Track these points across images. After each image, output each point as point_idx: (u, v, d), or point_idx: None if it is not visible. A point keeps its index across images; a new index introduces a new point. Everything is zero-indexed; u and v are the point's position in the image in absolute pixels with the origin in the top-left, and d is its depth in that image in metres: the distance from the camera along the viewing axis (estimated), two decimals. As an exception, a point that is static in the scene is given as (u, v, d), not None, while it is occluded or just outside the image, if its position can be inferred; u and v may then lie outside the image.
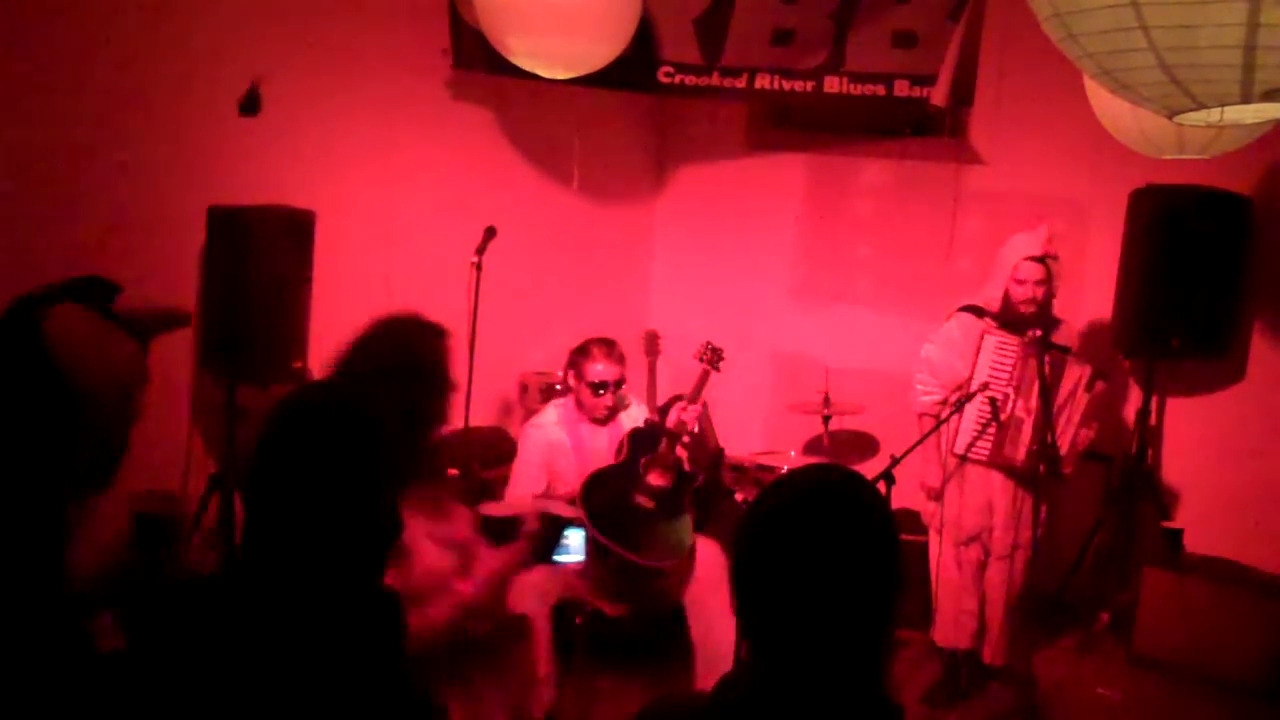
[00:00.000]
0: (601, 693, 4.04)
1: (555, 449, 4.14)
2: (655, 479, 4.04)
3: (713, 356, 4.38)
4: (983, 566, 4.28)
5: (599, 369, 4.11)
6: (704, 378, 4.29)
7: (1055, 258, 4.11)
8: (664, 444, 4.08)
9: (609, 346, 4.15)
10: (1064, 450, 4.02)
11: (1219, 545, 4.84)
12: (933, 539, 4.35)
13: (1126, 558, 4.93)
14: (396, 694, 1.54)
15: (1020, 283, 4.07)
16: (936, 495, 4.30)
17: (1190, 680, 4.45)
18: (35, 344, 2.44)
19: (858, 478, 1.57)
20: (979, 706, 4.30)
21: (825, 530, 1.46)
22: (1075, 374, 4.09)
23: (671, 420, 4.12)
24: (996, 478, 4.18)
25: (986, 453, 4.13)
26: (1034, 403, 4.00)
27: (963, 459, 4.18)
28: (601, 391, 4.11)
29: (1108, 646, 4.78)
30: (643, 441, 4.10)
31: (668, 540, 3.97)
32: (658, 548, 3.93)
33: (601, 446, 4.15)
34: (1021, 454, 4.06)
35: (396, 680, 1.56)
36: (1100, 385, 4.12)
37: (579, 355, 4.16)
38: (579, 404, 4.19)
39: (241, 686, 1.45)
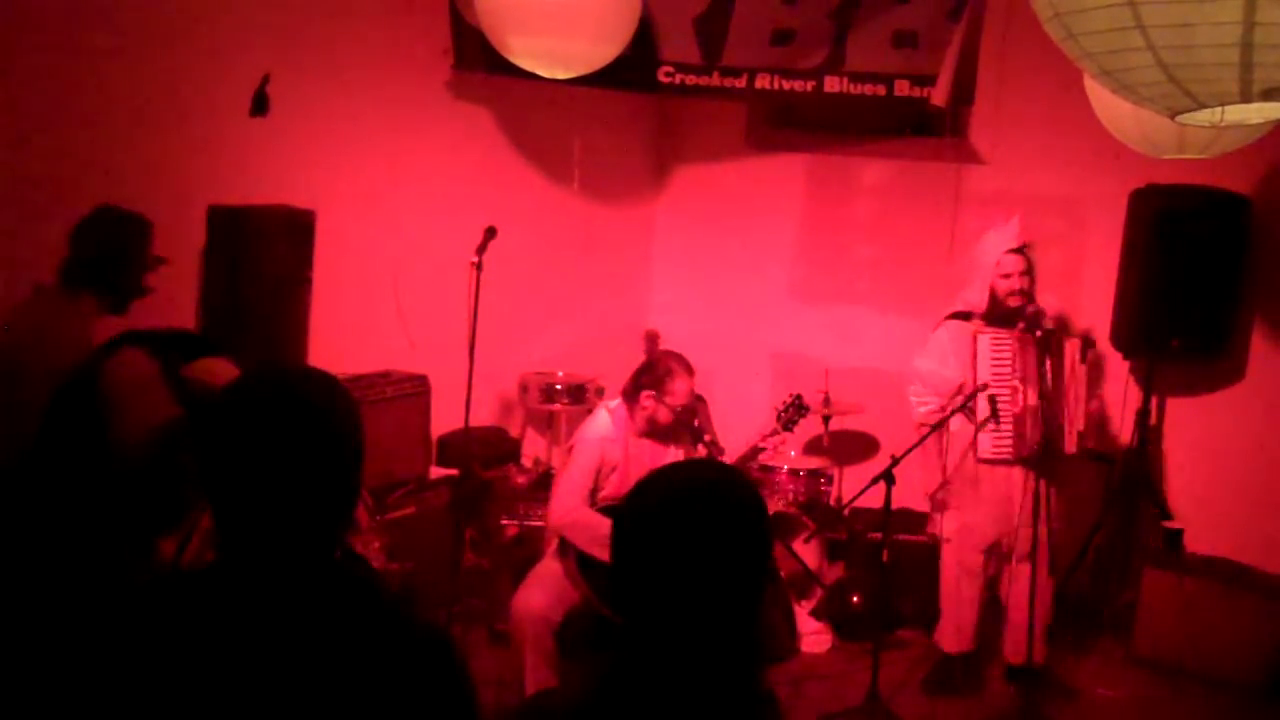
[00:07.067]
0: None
1: (607, 462, 3.97)
2: None
3: (793, 415, 4.16)
4: (998, 572, 4.27)
5: (683, 389, 3.93)
6: (768, 437, 4.13)
7: (1032, 245, 4.22)
8: None
9: (688, 364, 3.99)
10: (1082, 426, 4.15)
11: (1219, 545, 4.84)
12: (944, 547, 4.36)
13: (1127, 558, 4.93)
14: (407, 638, 1.54)
15: (1006, 276, 4.17)
16: (942, 505, 4.32)
17: (1190, 680, 4.45)
18: (94, 377, 2.63)
19: (733, 473, 1.61)
20: (979, 706, 4.30)
21: (693, 525, 1.50)
22: (1071, 350, 4.18)
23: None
24: (1016, 477, 4.17)
25: (1010, 450, 4.13)
26: (1043, 386, 4.08)
27: (989, 463, 4.18)
28: (683, 413, 3.94)
29: (1108, 646, 4.78)
30: None
31: None
32: None
33: (647, 466, 3.96)
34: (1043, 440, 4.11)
35: (402, 625, 1.56)
36: (1091, 353, 4.27)
37: (663, 375, 3.94)
38: (649, 419, 3.97)
39: (237, 676, 1.45)
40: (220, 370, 2.78)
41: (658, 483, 1.57)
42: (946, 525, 4.34)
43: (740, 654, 1.52)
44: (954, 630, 4.35)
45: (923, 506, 5.21)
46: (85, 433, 2.68)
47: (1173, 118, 1.99)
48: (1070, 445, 4.15)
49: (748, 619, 1.53)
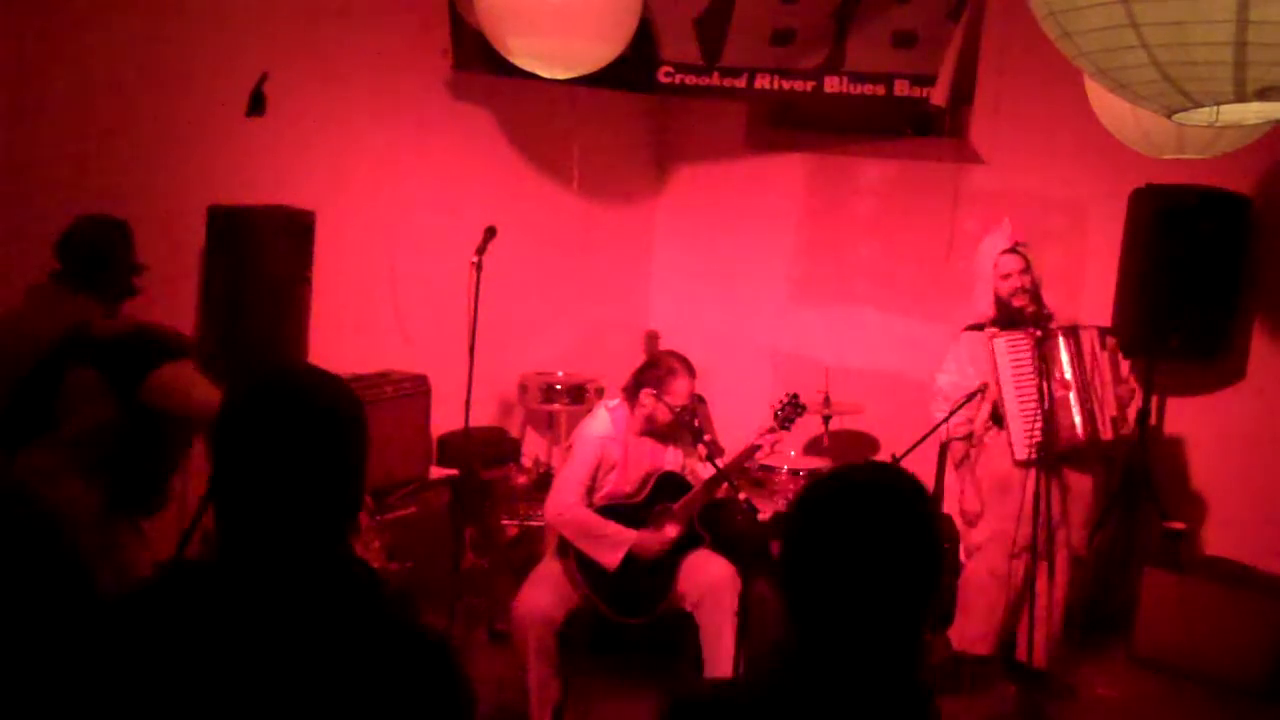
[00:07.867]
0: (605, 694, 4.04)
1: (606, 460, 3.98)
2: (665, 530, 3.91)
3: (790, 413, 4.06)
4: (1029, 574, 4.25)
5: (683, 389, 3.91)
6: (765, 435, 4.03)
7: (1026, 244, 4.23)
8: (690, 502, 3.92)
9: (690, 365, 3.98)
10: (1115, 411, 4.17)
11: (1219, 545, 4.84)
12: (974, 555, 4.34)
13: (1127, 558, 4.93)
14: (404, 639, 1.55)
15: (1005, 277, 4.18)
16: (973, 519, 4.32)
17: (1190, 680, 4.45)
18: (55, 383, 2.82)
19: (903, 473, 1.60)
20: (979, 706, 4.29)
21: (870, 523, 1.50)
22: (1088, 339, 4.19)
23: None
24: (1045, 475, 4.11)
25: (1043, 449, 4.06)
26: (1068, 377, 4.11)
27: (1025, 464, 4.13)
28: (683, 413, 3.93)
29: (1108, 646, 4.78)
30: (668, 489, 3.95)
31: (646, 593, 3.88)
32: (633, 600, 3.86)
33: (645, 465, 4.00)
34: (1081, 431, 4.12)
35: (399, 626, 1.57)
36: (1112, 340, 4.26)
37: (665, 374, 3.92)
38: (648, 418, 3.97)
39: (233, 669, 1.45)
40: (182, 384, 2.78)
41: (831, 484, 1.57)
42: (977, 534, 4.32)
43: (910, 656, 1.53)
44: (976, 633, 4.32)
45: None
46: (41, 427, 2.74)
47: (1169, 117, 1.99)
48: (1106, 431, 4.15)
49: (918, 622, 1.54)
